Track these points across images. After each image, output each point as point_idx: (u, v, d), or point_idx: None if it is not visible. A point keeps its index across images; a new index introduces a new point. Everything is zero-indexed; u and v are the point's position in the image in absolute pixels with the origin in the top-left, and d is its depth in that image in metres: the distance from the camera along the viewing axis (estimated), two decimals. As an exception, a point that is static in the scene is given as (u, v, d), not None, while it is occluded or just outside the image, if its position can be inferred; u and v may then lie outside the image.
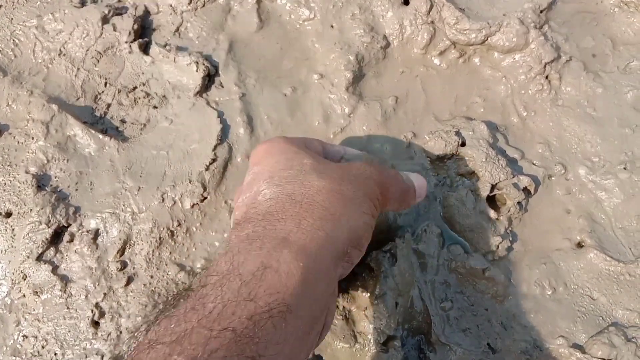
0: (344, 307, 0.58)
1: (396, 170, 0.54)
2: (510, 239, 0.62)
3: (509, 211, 0.63)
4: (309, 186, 0.43)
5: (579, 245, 0.64)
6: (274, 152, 0.48)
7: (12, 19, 0.77)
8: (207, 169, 0.65)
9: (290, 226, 0.39)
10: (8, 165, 0.66)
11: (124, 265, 0.62)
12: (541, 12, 0.73)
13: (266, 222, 0.40)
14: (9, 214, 0.64)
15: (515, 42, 0.70)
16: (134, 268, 0.62)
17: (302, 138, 0.53)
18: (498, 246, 0.61)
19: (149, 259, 0.62)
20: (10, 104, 0.71)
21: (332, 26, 0.74)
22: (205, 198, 0.65)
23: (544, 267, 0.62)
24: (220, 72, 0.72)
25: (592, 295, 0.60)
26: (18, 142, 0.68)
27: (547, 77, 0.71)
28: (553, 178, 0.67)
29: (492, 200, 0.64)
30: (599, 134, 0.68)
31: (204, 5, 0.76)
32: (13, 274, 0.62)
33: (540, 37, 0.70)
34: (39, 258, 0.62)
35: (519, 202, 0.63)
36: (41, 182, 0.65)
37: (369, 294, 0.57)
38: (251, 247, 0.37)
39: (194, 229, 0.64)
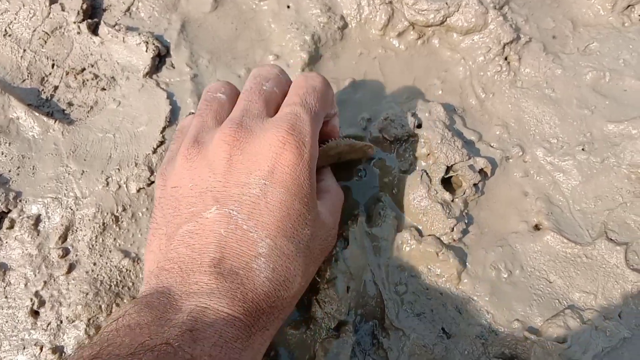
0: None
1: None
2: (466, 222, 0.61)
3: (464, 193, 0.61)
4: (286, 296, 0.40)
5: (536, 227, 0.63)
6: (295, 178, 0.40)
7: (-46, -2, 0.73)
8: (154, 151, 0.63)
9: (256, 337, 0.37)
10: (-54, 149, 0.63)
11: (66, 252, 0.59)
12: (501, -8, 0.72)
13: (249, 306, 0.37)
14: (-55, 199, 0.61)
15: (474, 22, 0.69)
16: (76, 255, 0.59)
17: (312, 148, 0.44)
18: (453, 229, 0.59)
19: (92, 246, 0.59)
20: (-50, 86, 0.67)
21: (288, 6, 0.72)
22: (153, 182, 0.62)
23: (500, 249, 0.61)
24: (171, 53, 0.70)
25: (549, 278, 0.59)
26: (-43, 125, 0.65)
27: (506, 59, 0.70)
28: (510, 160, 0.65)
29: (447, 183, 0.63)
30: (557, 115, 0.67)
31: (155, -15, 0.73)
32: (-51, 262, 0.59)
33: (500, 18, 0.69)
34: (-23, 245, 0.59)
35: (474, 184, 0.62)
36: (-20, 166, 0.62)
37: (319, 278, 0.55)
38: (211, 323, 0.34)
39: (140, 214, 0.61)
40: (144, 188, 0.62)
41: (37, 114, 0.65)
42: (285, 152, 0.40)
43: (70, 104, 0.69)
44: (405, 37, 0.72)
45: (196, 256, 0.38)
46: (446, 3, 0.69)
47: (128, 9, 0.73)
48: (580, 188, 0.64)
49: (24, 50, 0.71)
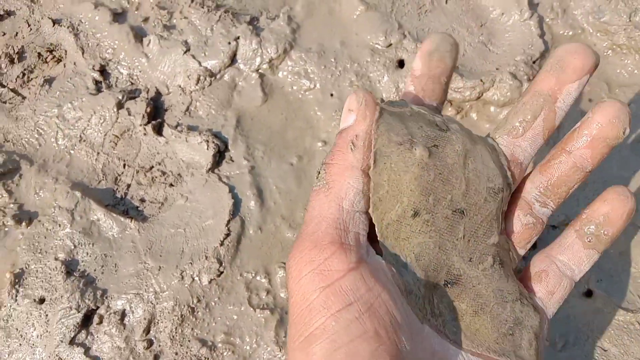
0: None
1: None
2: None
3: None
4: None
5: (588, 293, 0.65)
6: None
7: (35, 110, 0.82)
8: (221, 244, 0.69)
9: None
10: (39, 253, 0.71)
11: (150, 343, 0.65)
12: (534, 62, 0.75)
13: None
14: (42, 300, 0.69)
15: (509, 96, 0.73)
16: (159, 346, 0.65)
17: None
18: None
19: (173, 336, 0.65)
20: (37, 192, 0.76)
21: (331, 94, 0.78)
22: (222, 272, 0.68)
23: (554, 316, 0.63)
24: (229, 147, 0.76)
25: (603, 345, 0.61)
26: (47, 229, 0.73)
27: (544, 127, 0.73)
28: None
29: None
30: (599, 180, 0.69)
31: (210, 84, 0.80)
32: (49, 357, 0.66)
33: (534, 89, 0.72)
34: (72, 341, 0.66)
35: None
36: (70, 267, 0.70)
37: None
38: None
39: (213, 303, 0.67)
40: (214, 279, 0.68)
41: (114, 215, 0.73)
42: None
43: (142, 201, 0.76)
44: (444, 112, 0.76)
45: None
46: (481, 80, 0.73)
47: (187, 109, 0.80)
48: (630, 252, 0.66)
49: (98, 153, 0.79)
